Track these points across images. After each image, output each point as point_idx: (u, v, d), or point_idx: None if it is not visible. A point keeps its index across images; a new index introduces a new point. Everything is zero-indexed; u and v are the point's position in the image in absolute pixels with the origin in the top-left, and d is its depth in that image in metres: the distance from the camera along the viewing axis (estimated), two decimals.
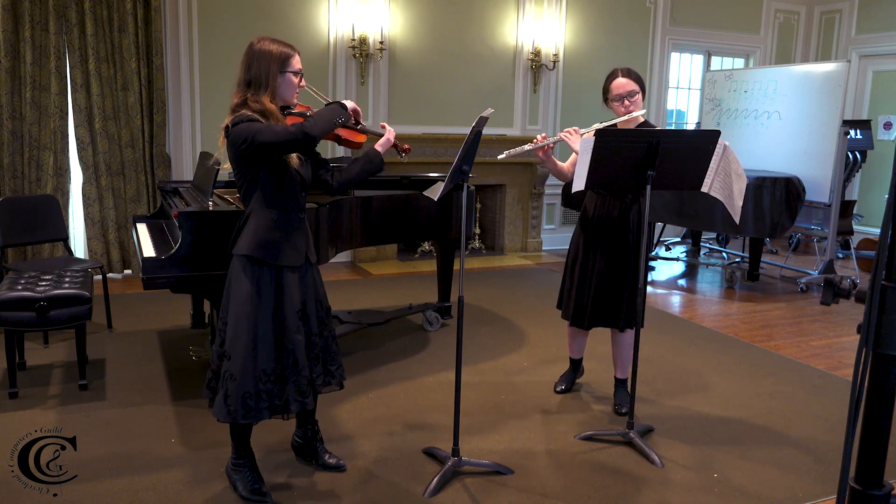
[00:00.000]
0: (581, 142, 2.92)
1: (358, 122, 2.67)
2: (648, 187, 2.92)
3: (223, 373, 2.46)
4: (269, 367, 2.45)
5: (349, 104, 2.58)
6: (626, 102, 3.19)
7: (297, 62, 2.51)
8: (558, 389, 3.64)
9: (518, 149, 3.18)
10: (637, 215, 3.26)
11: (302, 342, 2.50)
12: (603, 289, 3.28)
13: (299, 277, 2.54)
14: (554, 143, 3.19)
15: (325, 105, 2.57)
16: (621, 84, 3.20)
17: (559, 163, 3.36)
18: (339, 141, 2.67)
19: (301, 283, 2.55)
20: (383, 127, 2.77)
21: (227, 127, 2.39)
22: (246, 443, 2.62)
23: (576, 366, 3.70)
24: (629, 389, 3.16)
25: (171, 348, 4.19)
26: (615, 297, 3.28)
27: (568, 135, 3.19)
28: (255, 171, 2.44)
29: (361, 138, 2.72)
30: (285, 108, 2.55)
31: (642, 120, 3.29)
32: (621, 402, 3.45)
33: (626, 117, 3.18)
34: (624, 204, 3.26)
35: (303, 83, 2.55)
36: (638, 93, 3.21)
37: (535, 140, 3.19)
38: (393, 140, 2.74)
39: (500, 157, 3.25)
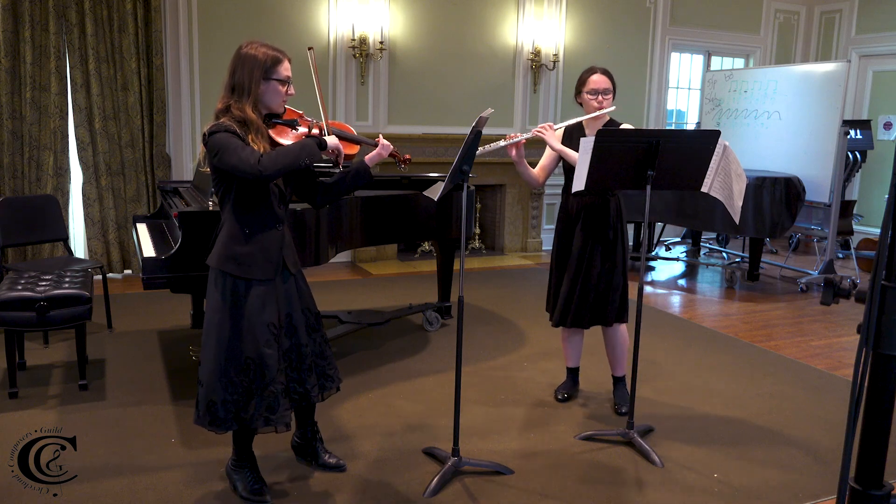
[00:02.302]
0: (581, 141, 2.92)
1: (337, 164, 2.52)
2: (648, 187, 2.92)
3: (198, 378, 2.48)
4: (236, 378, 2.42)
5: (331, 142, 2.47)
6: (601, 98, 3.25)
7: (284, 69, 2.41)
8: (560, 398, 3.59)
9: (493, 145, 3.15)
10: (616, 209, 3.29)
11: (273, 356, 2.44)
12: (587, 286, 3.29)
13: (281, 289, 2.50)
14: (527, 139, 3.16)
15: (305, 137, 2.44)
16: (599, 80, 3.26)
17: (531, 168, 3.34)
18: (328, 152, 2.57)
19: (284, 295, 2.51)
20: (377, 141, 2.66)
21: (205, 134, 2.34)
22: (247, 446, 2.61)
23: (574, 375, 3.66)
24: (629, 389, 3.16)
25: (171, 348, 4.19)
26: (600, 293, 3.29)
27: (542, 131, 3.23)
28: (229, 180, 2.38)
29: (353, 149, 2.63)
30: (272, 117, 2.47)
31: (608, 118, 3.33)
32: (620, 401, 3.45)
33: (597, 113, 3.24)
34: (601, 199, 3.27)
35: (291, 91, 2.45)
36: (611, 91, 3.28)
37: (507, 137, 3.16)
38: (386, 154, 2.66)
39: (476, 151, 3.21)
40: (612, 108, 3.27)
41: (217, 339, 2.41)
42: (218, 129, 2.31)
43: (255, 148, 2.33)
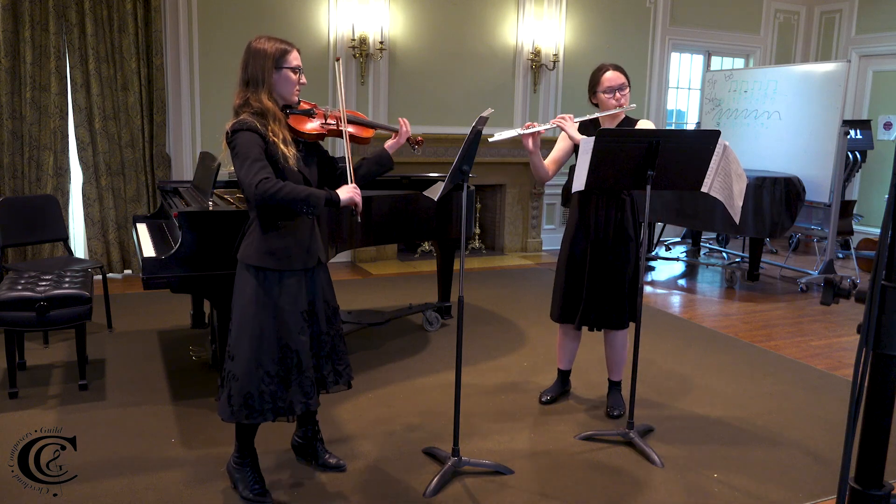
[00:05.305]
0: (581, 141, 2.92)
1: (355, 213, 2.50)
2: (648, 187, 2.92)
3: (227, 372, 2.47)
4: (272, 368, 2.44)
5: (345, 197, 2.42)
6: (618, 95, 3.19)
7: (294, 58, 2.47)
8: (544, 399, 3.54)
9: (509, 132, 3.08)
10: (630, 208, 3.23)
11: (306, 343, 2.50)
12: (597, 288, 3.24)
13: (308, 278, 2.53)
14: (545, 129, 3.11)
15: (323, 195, 2.42)
16: (612, 77, 3.19)
17: (543, 160, 3.28)
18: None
19: (310, 284, 2.55)
20: (400, 126, 2.74)
21: (227, 132, 2.37)
22: (250, 443, 2.62)
23: (564, 378, 3.63)
24: (630, 389, 3.14)
25: (171, 348, 4.19)
26: (611, 295, 3.24)
27: (563, 120, 3.15)
28: None
29: (369, 133, 2.69)
30: (288, 108, 2.52)
31: (623, 117, 3.26)
32: (614, 404, 3.43)
33: (618, 109, 3.17)
34: (612, 199, 3.21)
35: (303, 80, 2.51)
36: (627, 87, 3.21)
37: (525, 125, 3.10)
38: (404, 141, 2.74)
39: (490, 139, 3.11)
40: (633, 105, 3.21)
41: (252, 331, 2.43)
42: (240, 128, 2.34)
43: (276, 139, 2.36)
